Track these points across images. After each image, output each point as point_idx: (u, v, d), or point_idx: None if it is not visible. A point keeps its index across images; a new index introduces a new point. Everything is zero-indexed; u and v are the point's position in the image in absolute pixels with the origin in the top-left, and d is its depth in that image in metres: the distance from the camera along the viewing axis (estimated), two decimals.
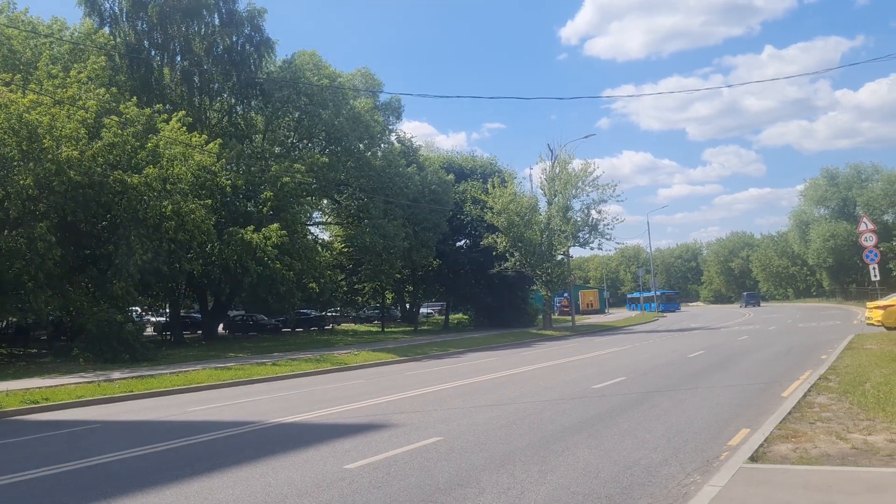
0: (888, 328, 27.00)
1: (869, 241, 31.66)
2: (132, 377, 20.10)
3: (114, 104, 27.78)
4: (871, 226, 32.81)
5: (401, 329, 52.59)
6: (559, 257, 47.40)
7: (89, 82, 27.82)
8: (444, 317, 61.81)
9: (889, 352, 17.99)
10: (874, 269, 31.26)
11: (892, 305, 27.96)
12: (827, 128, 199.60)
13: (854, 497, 6.12)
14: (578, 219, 45.27)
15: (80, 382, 19.14)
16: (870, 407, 10.27)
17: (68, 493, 7.76)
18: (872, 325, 28.59)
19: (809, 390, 12.29)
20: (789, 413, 10.12)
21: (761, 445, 8.16)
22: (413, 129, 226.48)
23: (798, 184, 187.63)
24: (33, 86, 26.42)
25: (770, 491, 6.42)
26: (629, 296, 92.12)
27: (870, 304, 30.25)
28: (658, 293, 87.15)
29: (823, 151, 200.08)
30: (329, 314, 59.35)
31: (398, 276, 47.54)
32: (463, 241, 53.19)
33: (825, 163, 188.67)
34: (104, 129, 26.24)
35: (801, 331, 33.41)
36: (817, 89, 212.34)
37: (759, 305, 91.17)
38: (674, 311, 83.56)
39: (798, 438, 8.50)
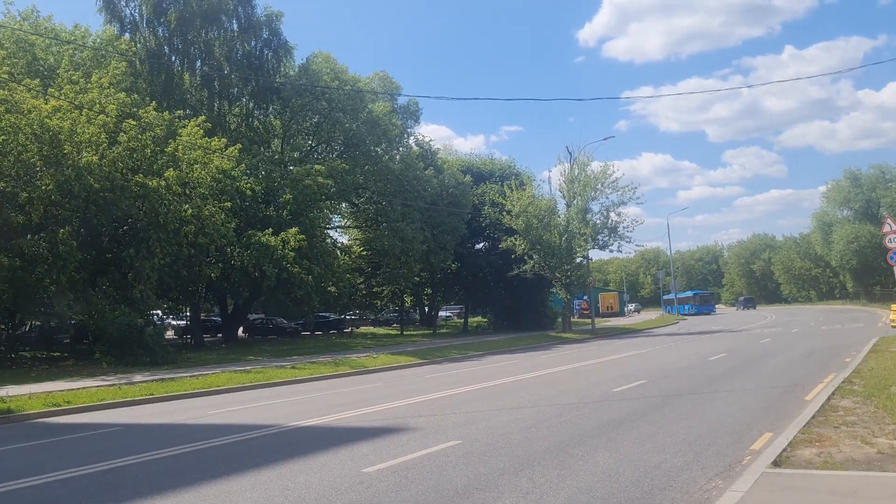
0: None
1: (893, 242, 31.17)
2: (152, 380, 20.22)
3: (134, 109, 28.03)
4: (895, 227, 32.36)
5: (419, 332, 52.58)
6: (578, 260, 47.15)
7: (110, 87, 28.08)
8: (462, 320, 61.71)
9: None
10: None
11: None
12: (849, 128, 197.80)
13: (880, 502, 5.99)
14: (598, 221, 45.07)
15: (101, 385, 19.27)
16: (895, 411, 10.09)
17: (88, 497, 7.79)
18: None
19: (833, 394, 12.12)
20: (813, 417, 9.98)
21: (784, 450, 8.04)
22: (431, 132, 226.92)
23: (820, 185, 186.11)
24: (53, 91, 26.72)
25: (794, 496, 6.31)
26: (664, 297, 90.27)
27: (894, 307, 29.81)
28: (692, 293, 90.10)
29: (845, 152, 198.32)
30: (348, 317, 59.45)
31: (416, 279, 47.54)
32: (482, 244, 53.10)
33: (847, 164, 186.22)
34: (122, 134, 26.45)
35: (824, 333, 33.02)
36: (839, 89, 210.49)
37: (754, 308, 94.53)
38: (709, 314, 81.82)
39: (822, 443, 8.36)
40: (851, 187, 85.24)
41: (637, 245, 50.47)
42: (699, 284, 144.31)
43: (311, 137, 43.23)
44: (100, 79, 27.94)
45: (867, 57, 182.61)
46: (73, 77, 27.92)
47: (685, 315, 78.97)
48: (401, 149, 44.75)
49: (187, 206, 27.37)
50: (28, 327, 35.19)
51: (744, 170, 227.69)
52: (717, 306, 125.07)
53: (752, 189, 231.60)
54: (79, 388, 18.53)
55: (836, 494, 6.30)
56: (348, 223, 51.63)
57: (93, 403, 16.38)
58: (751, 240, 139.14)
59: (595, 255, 72.40)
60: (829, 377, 15.09)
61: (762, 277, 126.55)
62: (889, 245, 31.45)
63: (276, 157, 40.14)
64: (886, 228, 32.75)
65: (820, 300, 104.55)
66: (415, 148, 47.56)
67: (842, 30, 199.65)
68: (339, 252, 43.26)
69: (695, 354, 24.51)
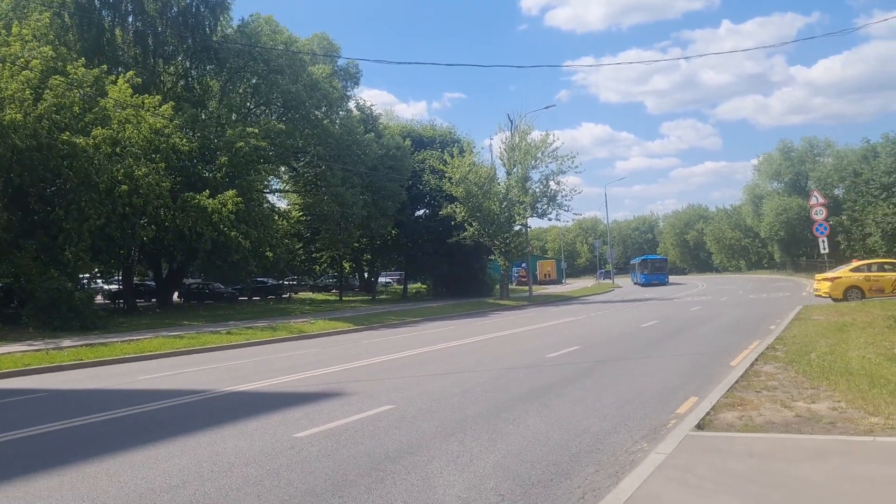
0: (835, 300, 27.70)
1: (819, 214, 32.34)
2: (82, 345, 19.70)
3: (60, 64, 26.85)
4: (822, 200, 33.53)
5: (359, 298, 52.45)
6: (517, 228, 47.53)
7: (34, 40, 26.80)
8: (402, 286, 61.76)
9: (835, 322, 18.43)
10: (823, 241, 31.99)
11: (840, 278, 28.67)
12: (781, 103, 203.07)
13: (796, 463, 6.24)
14: (537, 190, 45.43)
15: (27, 350, 18.70)
16: (814, 376, 10.50)
17: (11, 463, 7.56)
18: (820, 296, 29.29)
19: (757, 360, 12.53)
20: (736, 382, 10.30)
21: (708, 413, 8.29)
22: (373, 98, 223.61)
23: (752, 158, 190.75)
24: None
25: (715, 458, 6.52)
26: (631, 261, 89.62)
27: (818, 277, 30.96)
28: (641, 259, 79.25)
29: (777, 126, 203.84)
30: (286, 283, 58.87)
31: (356, 245, 47.27)
32: (422, 211, 53.02)
33: (779, 138, 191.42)
34: (48, 90, 25.35)
35: (751, 302, 34.08)
36: (773, 65, 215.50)
37: (664, 281, 72.69)
38: (662, 284, 69.87)
39: (744, 407, 8.65)
40: (783, 160, 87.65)
41: (575, 214, 51.43)
42: (635, 253, 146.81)
43: (249, 99, 42.23)
44: (20, 30, 26.63)
45: (801, 33, 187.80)
46: None
47: (639, 285, 72.21)
48: (341, 112, 44.09)
49: (119, 165, 26.46)
50: None
51: (680, 141, 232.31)
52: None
53: (687, 161, 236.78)
54: (2, 353, 17.94)
55: (754, 456, 6.53)
56: (287, 187, 50.85)
57: (18, 369, 15.90)
58: (685, 210, 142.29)
59: (534, 223, 73.00)
60: (754, 344, 15.60)
61: (695, 247, 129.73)
62: (815, 217, 32.60)
63: (214, 118, 39.12)
64: (813, 201, 33.92)
65: (749, 270, 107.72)
66: (355, 112, 46.95)
67: (777, 5, 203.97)
68: (277, 217, 42.61)
69: (628, 322, 25.04)
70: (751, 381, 10.47)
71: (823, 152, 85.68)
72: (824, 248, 32.13)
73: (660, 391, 10.60)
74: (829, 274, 29.79)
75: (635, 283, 76.06)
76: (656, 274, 73.09)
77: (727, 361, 13.30)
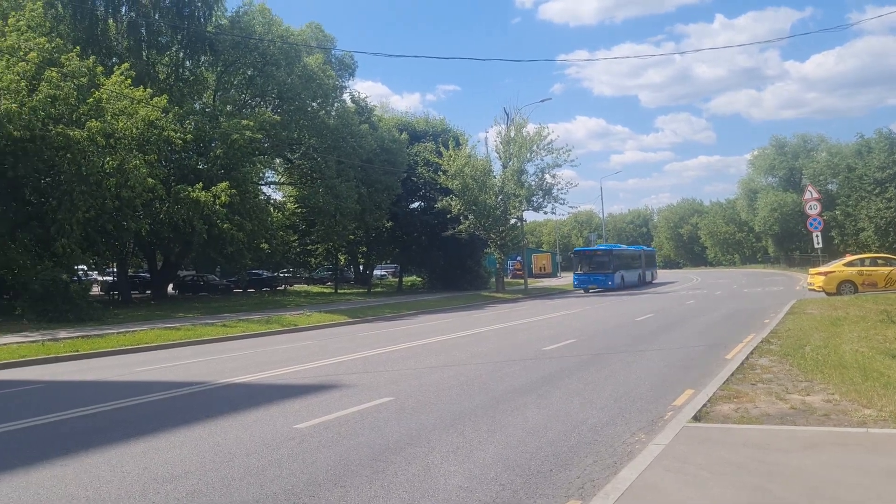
0: (828, 294, 27.85)
1: (813, 209, 32.49)
2: (78, 337, 19.70)
3: (56, 55, 26.72)
4: (815, 195, 33.66)
5: (354, 291, 52.47)
6: (513, 221, 47.57)
7: (29, 31, 26.68)
8: (397, 279, 61.79)
9: (829, 316, 18.56)
10: (817, 236, 32.13)
11: (833, 272, 28.82)
12: (774, 98, 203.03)
13: (790, 454, 6.32)
14: (532, 183, 45.42)
15: (22, 342, 18.68)
16: (809, 369, 10.60)
17: (12, 454, 7.59)
18: (814, 290, 29.43)
19: (752, 353, 12.63)
20: (732, 374, 10.40)
21: (704, 405, 8.38)
22: (367, 90, 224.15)
23: (746, 152, 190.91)
24: None
25: (711, 449, 6.60)
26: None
27: (812, 271, 31.11)
28: (576, 252, 53.64)
29: (770, 121, 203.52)
30: (281, 275, 58.85)
31: (351, 237, 47.21)
32: (417, 204, 52.96)
33: (771, 132, 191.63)
34: (44, 82, 25.26)
35: (745, 296, 34.24)
36: (767, 59, 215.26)
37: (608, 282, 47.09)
38: (607, 291, 46.38)
39: (740, 399, 8.74)
40: (776, 155, 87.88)
41: (571, 207, 50.91)
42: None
43: (244, 91, 42.10)
44: (17, 21, 26.51)
45: (794, 28, 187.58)
46: None
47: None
48: (336, 104, 43.96)
49: (110, 157, 26.36)
50: None
51: (675, 135, 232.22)
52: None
53: (681, 154, 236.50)
54: None
55: (750, 446, 6.61)
56: (283, 179, 50.77)
57: (13, 360, 15.92)
58: (679, 204, 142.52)
59: (529, 216, 71.90)
60: (749, 337, 15.71)
61: (689, 241, 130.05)
62: (809, 212, 32.76)
63: (209, 109, 38.96)
64: (807, 196, 34.04)
65: (743, 264, 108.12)
66: (350, 104, 46.82)
67: (771, 0, 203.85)
68: (272, 209, 42.55)
69: (623, 315, 25.14)
70: (746, 373, 10.56)
71: (817, 147, 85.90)
72: (818, 243, 32.28)
73: (656, 383, 10.69)
74: (823, 268, 29.93)
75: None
76: (595, 274, 47.26)
77: (723, 354, 13.41)
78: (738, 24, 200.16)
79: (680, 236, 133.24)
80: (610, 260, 48.00)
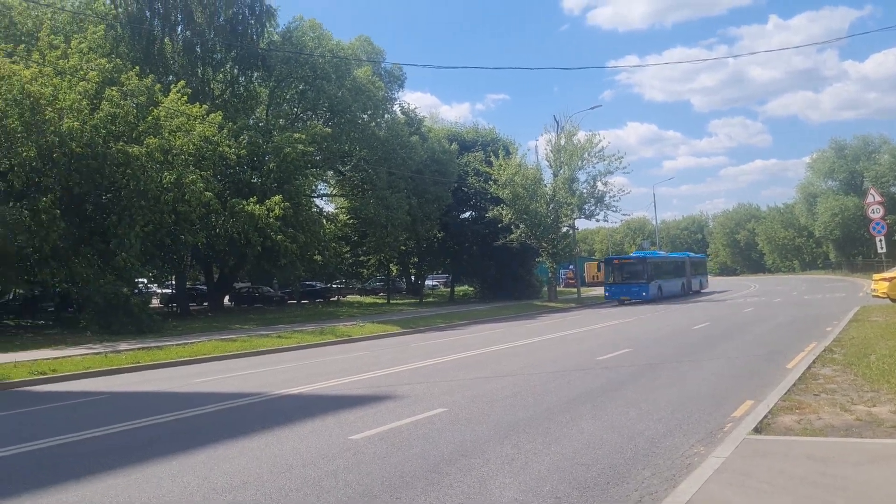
0: (893, 300, 26.96)
1: (876, 213, 31.50)
2: (138, 349, 20.20)
3: (116, 75, 27.60)
4: (878, 198, 32.63)
5: (406, 301, 52.70)
6: (565, 229, 47.26)
7: (90, 52, 27.63)
8: (449, 289, 61.87)
9: (894, 324, 17.96)
10: (881, 241, 31.11)
11: None
12: (832, 99, 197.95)
13: (857, 468, 6.12)
14: (584, 190, 45.10)
15: (86, 354, 19.24)
16: (874, 379, 10.27)
17: (75, 463, 7.81)
18: (878, 297, 28.54)
19: (814, 362, 12.29)
20: (794, 385, 10.13)
21: (765, 417, 8.17)
22: (416, 100, 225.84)
23: (804, 155, 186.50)
24: (36, 56, 26.30)
25: (773, 462, 6.43)
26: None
27: (876, 276, 30.16)
28: (606, 260, 49.87)
29: (829, 122, 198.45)
30: (334, 286, 59.47)
31: (403, 248, 47.45)
32: (468, 214, 53.03)
33: (830, 134, 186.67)
34: (104, 101, 26.11)
35: (806, 303, 33.38)
36: (825, 59, 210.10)
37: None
38: (646, 302, 42.69)
39: (802, 410, 8.51)
40: (836, 158, 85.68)
41: (623, 214, 50.28)
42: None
43: (296, 105, 42.80)
44: (79, 44, 27.48)
45: (853, 27, 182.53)
46: (54, 42, 27.45)
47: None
48: (386, 116, 44.39)
49: (167, 173, 27.09)
50: (12, 295, 35.02)
51: (729, 139, 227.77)
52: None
53: (737, 159, 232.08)
54: (64, 357, 18.50)
55: (813, 460, 6.42)
56: (334, 191, 51.38)
57: (78, 372, 16.37)
58: (736, 210, 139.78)
59: (581, 224, 70.73)
60: (811, 346, 15.29)
61: (746, 247, 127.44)
62: (872, 215, 31.75)
63: (262, 124, 39.68)
64: (869, 199, 33.03)
65: (803, 270, 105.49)
66: (400, 116, 47.20)
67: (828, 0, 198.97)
68: (324, 220, 43.10)
69: (678, 323, 24.73)
70: (808, 383, 10.28)
71: (879, 149, 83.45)
72: (882, 248, 31.22)
73: (714, 394, 10.47)
74: (887, 274, 29.00)
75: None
76: (628, 284, 43.55)
77: (783, 364, 13.07)
78: (794, 25, 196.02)
79: (736, 242, 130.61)
80: (644, 269, 43.92)
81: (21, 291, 32.98)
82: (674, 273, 49.57)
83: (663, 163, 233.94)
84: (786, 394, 9.48)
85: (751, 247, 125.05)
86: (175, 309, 41.21)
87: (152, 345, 21.18)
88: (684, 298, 45.09)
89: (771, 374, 11.88)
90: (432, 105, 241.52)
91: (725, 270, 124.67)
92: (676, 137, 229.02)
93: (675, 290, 47.61)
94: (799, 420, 8.02)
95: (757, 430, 7.58)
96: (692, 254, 65.27)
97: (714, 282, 64.72)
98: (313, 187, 46.24)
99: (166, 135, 27.53)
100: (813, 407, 8.64)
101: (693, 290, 50.97)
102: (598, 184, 45.01)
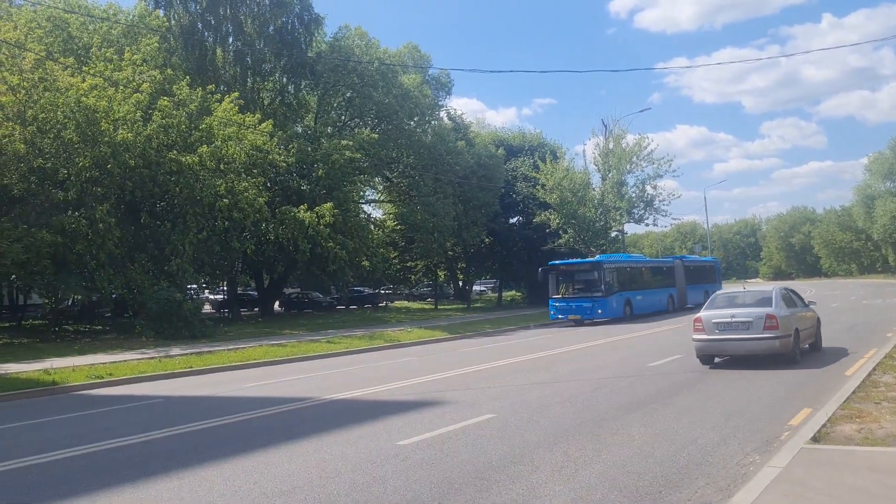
0: None
1: None
2: (191, 353, 20.57)
3: (168, 85, 28.28)
4: None
5: (453, 306, 52.71)
6: (614, 234, 46.74)
7: (143, 64, 28.36)
8: (496, 294, 61.72)
9: None
10: None
11: None
12: (891, 98, 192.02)
13: None
14: (633, 194, 44.51)
15: (141, 359, 19.67)
16: None
17: (132, 466, 7.96)
18: None
19: (874, 369, 11.91)
20: (853, 392, 9.82)
21: (824, 425, 7.93)
22: (462, 106, 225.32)
23: (861, 156, 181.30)
24: (89, 68, 27.07)
25: (833, 472, 6.23)
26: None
27: None
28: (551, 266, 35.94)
29: (887, 123, 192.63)
30: (382, 292, 59.81)
31: (450, 253, 47.48)
32: (515, 219, 52.85)
33: (888, 134, 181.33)
34: (156, 111, 26.76)
35: (864, 308, 32.41)
36: (881, 58, 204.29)
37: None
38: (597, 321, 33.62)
39: (863, 419, 8.23)
40: (895, 159, 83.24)
41: (673, 219, 49.17)
42: (736, 258, 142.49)
43: (344, 112, 43.26)
44: (133, 56, 28.20)
45: None
46: (108, 55, 28.21)
47: None
48: (433, 122, 44.63)
49: (221, 181, 27.65)
50: (70, 302, 36.00)
51: (782, 141, 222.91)
52: (756, 279, 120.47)
53: (790, 161, 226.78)
54: (120, 361, 18.95)
55: (876, 471, 6.20)
56: (382, 197, 51.75)
57: (134, 376, 16.74)
58: (790, 213, 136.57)
59: (630, 228, 70.05)
60: (870, 352, 14.84)
61: (801, 251, 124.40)
62: None
63: (310, 132, 40.20)
64: None
65: (861, 274, 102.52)
66: (447, 121, 47.35)
67: None
68: (372, 226, 43.42)
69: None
70: (869, 391, 9.96)
71: None
72: None
73: (770, 402, 10.21)
74: None
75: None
76: (577, 299, 32.84)
77: (841, 371, 12.70)
78: (849, 23, 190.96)
79: (791, 246, 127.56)
80: (599, 277, 32.35)
81: (79, 298, 33.86)
82: (654, 282, 38.12)
83: (714, 165, 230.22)
84: (845, 402, 9.19)
85: (806, 250, 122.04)
86: (226, 314, 41.90)
87: (204, 350, 21.55)
88: (673, 315, 34.46)
89: (829, 382, 11.55)
90: (478, 110, 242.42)
91: (780, 275, 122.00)
92: (727, 140, 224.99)
93: (658, 305, 36.71)
94: (859, 429, 7.76)
95: (815, 440, 7.36)
96: (693, 256, 53.55)
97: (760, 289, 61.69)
98: (361, 193, 46.64)
99: (219, 143, 28.09)
100: (874, 415, 8.36)
101: (690, 305, 38.39)
102: (648, 187, 44.29)
